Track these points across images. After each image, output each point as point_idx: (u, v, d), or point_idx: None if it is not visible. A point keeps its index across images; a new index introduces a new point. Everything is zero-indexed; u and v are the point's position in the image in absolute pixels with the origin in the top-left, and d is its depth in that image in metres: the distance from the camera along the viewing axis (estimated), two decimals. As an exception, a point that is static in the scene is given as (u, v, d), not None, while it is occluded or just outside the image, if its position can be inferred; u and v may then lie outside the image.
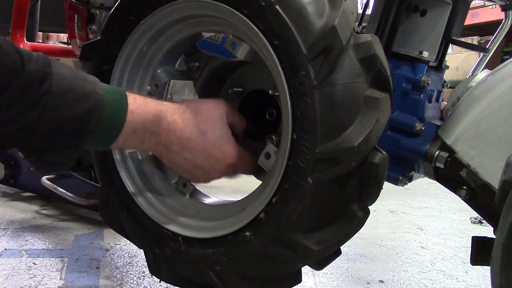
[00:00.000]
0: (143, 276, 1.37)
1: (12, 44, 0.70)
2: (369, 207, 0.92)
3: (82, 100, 0.74)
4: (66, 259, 1.48)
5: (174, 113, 0.89)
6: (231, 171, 0.98)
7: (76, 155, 0.77)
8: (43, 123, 0.71)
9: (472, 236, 1.06)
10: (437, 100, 1.27)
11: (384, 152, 0.87)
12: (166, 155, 0.91)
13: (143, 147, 0.90)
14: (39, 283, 1.29)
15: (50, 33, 5.08)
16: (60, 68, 0.74)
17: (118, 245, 1.62)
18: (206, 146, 0.91)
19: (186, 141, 0.89)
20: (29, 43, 2.06)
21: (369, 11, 1.32)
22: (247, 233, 0.92)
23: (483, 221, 2.23)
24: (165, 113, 0.87)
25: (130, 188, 1.09)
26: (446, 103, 1.29)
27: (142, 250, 1.13)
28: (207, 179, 0.97)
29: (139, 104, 0.83)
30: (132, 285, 1.30)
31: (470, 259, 1.05)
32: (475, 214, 2.26)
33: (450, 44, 1.27)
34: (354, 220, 0.88)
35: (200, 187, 1.14)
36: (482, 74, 1.19)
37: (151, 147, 0.90)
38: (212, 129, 0.91)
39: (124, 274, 1.38)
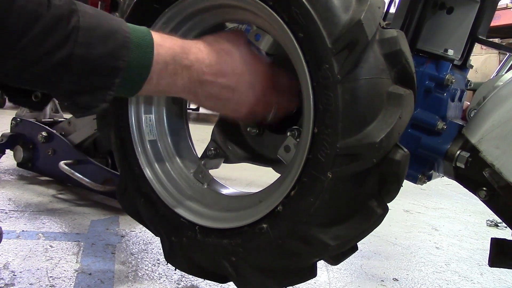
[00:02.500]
0: (158, 264, 1.38)
1: None
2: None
3: (110, 36, 0.73)
4: (82, 243, 1.50)
5: (197, 43, 0.88)
6: (268, 94, 0.96)
7: (110, 97, 0.75)
8: (75, 60, 0.69)
9: (491, 238, 1.05)
10: (460, 99, 1.26)
11: (406, 150, 0.86)
12: (202, 91, 0.89)
13: (176, 88, 0.86)
14: (56, 265, 1.31)
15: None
16: (84, 6, 0.73)
17: (133, 232, 1.63)
18: (237, 63, 0.91)
19: (217, 66, 0.89)
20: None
21: (392, 9, 1.30)
22: (264, 225, 0.92)
23: (499, 224, 2.20)
24: (190, 44, 0.87)
25: (149, 175, 1.09)
26: (468, 103, 1.27)
27: (157, 237, 1.14)
28: (248, 105, 0.95)
29: (165, 38, 0.83)
30: (147, 272, 1.32)
31: (488, 260, 1.04)
32: (491, 217, 2.24)
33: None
34: (372, 216, 0.87)
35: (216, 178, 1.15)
36: (509, 74, 1.17)
37: (185, 87, 0.87)
38: (237, 49, 0.93)
39: (139, 260, 1.40)
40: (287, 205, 0.89)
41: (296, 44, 0.85)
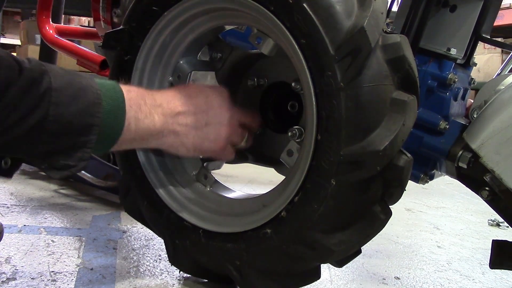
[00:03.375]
0: (160, 259, 1.38)
1: (4, 50, 0.69)
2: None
3: (82, 94, 0.74)
4: (84, 239, 1.50)
5: (167, 89, 0.94)
6: (234, 129, 1.00)
7: (88, 154, 0.75)
8: (50, 121, 0.69)
9: (492, 240, 1.04)
10: (463, 98, 1.25)
11: (409, 155, 0.86)
12: (180, 125, 0.91)
13: (155, 126, 0.87)
14: (58, 260, 1.31)
15: (72, 16, 5.09)
16: (53, 67, 0.74)
17: (135, 228, 1.64)
18: (204, 96, 0.96)
19: (187, 98, 0.93)
20: (55, 24, 2.07)
21: (395, 8, 1.29)
22: (268, 230, 0.92)
23: (501, 223, 2.20)
24: (153, 90, 0.92)
25: (151, 178, 1.09)
26: (472, 101, 1.26)
27: (159, 235, 1.14)
28: (218, 139, 0.97)
29: (131, 86, 0.86)
30: (149, 268, 1.32)
31: (489, 262, 1.04)
32: (492, 217, 2.23)
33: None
34: (376, 222, 0.87)
35: (217, 177, 1.14)
36: (511, 77, 1.16)
37: (163, 123, 0.88)
38: (200, 86, 0.99)
39: (140, 256, 1.40)
40: (291, 211, 0.89)
41: (298, 51, 0.84)
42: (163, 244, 1.14)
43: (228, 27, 1.13)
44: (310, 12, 0.81)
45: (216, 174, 1.14)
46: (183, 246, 1.04)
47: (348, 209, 0.86)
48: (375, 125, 0.81)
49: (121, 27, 1.07)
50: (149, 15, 1.02)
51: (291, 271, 0.95)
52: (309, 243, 0.88)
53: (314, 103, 0.83)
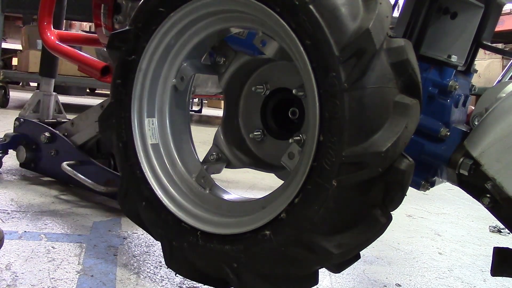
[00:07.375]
0: (160, 266, 1.38)
1: None
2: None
3: None
4: (84, 245, 1.50)
5: None
6: None
7: None
8: None
9: (494, 247, 1.04)
10: (464, 104, 1.25)
11: (410, 159, 0.86)
12: None
13: None
14: (58, 267, 1.31)
15: (73, 22, 5.11)
16: None
17: (136, 234, 1.63)
18: None
19: None
20: (56, 31, 2.08)
21: (396, 14, 1.30)
22: (267, 232, 0.91)
23: (502, 230, 2.19)
24: None
25: (151, 179, 1.09)
26: (473, 108, 1.27)
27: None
28: None
29: None
30: (149, 274, 1.31)
31: (491, 269, 1.04)
32: (493, 223, 2.23)
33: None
34: (376, 225, 0.87)
35: (218, 182, 1.14)
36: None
37: None
38: None
39: (141, 263, 1.39)
40: (291, 213, 0.89)
41: (303, 51, 0.85)
42: (162, 252, 1.13)
43: (234, 30, 1.13)
44: (316, 14, 0.82)
45: (217, 180, 1.14)
46: (181, 248, 1.04)
47: (349, 211, 0.86)
48: (377, 127, 0.82)
49: (127, 27, 1.08)
50: (155, 16, 1.03)
51: (289, 275, 0.95)
52: (309, 245, 0.88)
53: (318, 103, 0.84)
